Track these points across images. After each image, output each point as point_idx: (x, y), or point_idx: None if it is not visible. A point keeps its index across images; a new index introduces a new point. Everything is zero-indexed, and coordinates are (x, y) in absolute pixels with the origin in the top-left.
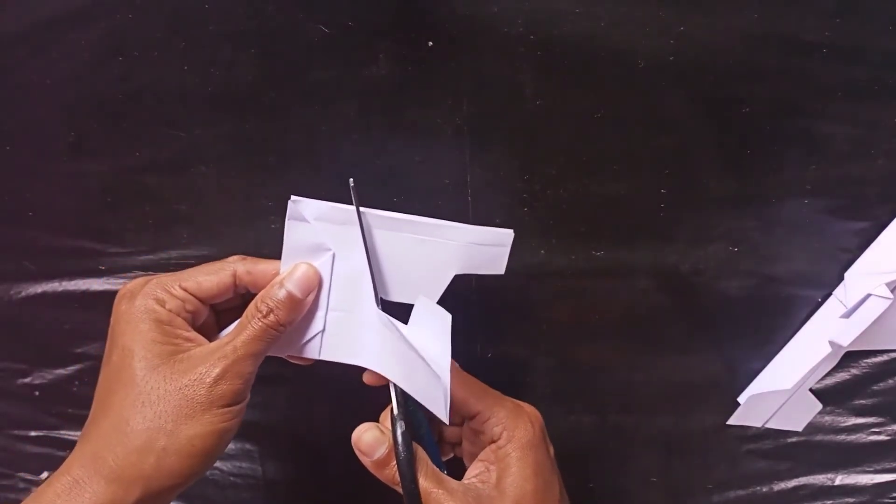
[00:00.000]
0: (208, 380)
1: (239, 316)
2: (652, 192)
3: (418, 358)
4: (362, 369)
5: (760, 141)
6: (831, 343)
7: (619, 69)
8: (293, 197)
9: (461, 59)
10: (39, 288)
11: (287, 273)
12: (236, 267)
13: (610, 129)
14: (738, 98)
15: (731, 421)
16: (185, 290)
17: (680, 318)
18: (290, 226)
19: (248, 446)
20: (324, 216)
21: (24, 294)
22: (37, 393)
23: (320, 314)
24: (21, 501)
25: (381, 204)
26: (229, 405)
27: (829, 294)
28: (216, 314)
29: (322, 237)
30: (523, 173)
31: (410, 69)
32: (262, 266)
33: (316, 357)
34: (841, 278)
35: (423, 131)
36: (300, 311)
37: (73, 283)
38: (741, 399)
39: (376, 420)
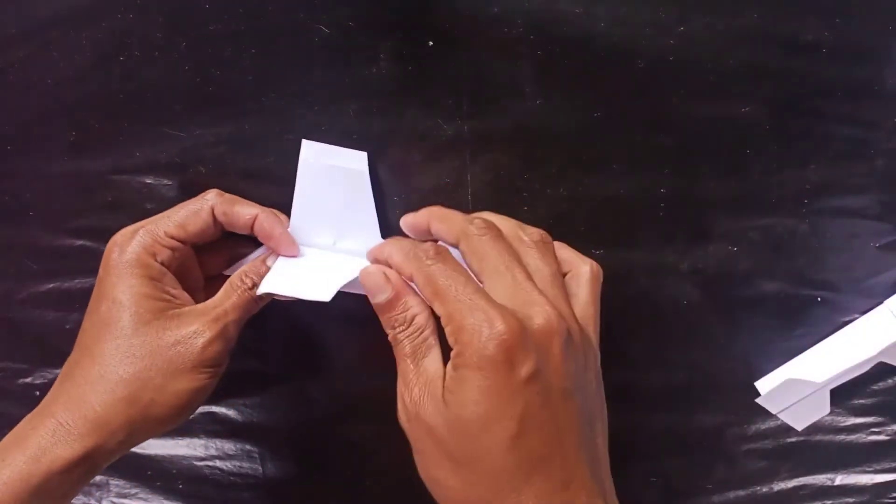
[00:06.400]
0: (201, 341)
1: (215, 249)
2: (652, 192)
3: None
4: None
5: (760, 141)
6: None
7: (619, 69)
8: (305, 141)
9: (461, 59)
10: (40, 287)
11: (269, 253)
12: (213, 203)
13: (610, 129)
14: (738, 98)
15: (760, 400)
16: (172, 237)
17: (678, 317)
18: (302, 166)
19: (248, 446)
20: (334, 155)
21: (24, 294)
22: (37, 393)
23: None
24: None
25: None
26: (214, 366)
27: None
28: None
29: (331, 177)
30: (523, 173)
31: (410, 69)
32: (238, 208)
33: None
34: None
35: (423, 131)
36: None
37: (73, 282)
38: (759, 385)
39: (376, 420)
